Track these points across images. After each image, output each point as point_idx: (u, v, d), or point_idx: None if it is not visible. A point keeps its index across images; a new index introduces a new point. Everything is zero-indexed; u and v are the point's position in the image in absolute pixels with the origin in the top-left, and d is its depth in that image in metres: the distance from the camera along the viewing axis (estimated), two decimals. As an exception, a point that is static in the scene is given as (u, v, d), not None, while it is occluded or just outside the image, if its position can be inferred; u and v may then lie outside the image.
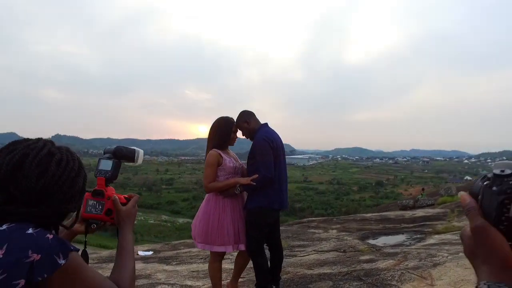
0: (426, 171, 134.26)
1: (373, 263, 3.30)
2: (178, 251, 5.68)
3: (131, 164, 1.22)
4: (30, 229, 0.77)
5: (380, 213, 9.32)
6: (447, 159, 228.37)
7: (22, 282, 0.71)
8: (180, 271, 4.06)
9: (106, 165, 1.15)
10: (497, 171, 0.50)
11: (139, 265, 4.38)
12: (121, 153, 1.19)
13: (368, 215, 8.64)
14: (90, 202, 1.09)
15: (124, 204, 1.10)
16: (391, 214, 8.83)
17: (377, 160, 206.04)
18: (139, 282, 3.70)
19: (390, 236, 5.27)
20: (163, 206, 58.75)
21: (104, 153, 1.19)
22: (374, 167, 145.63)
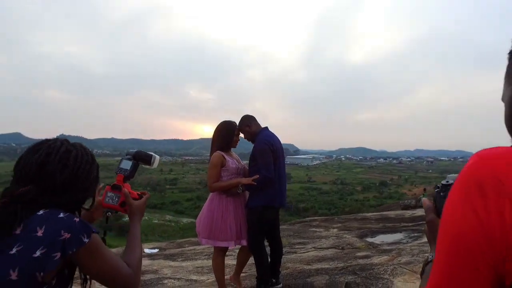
0: (430, 171, 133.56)
1: (368, 259, 3.47)
2: (183, 248, 5.87)
3: (147, 166, 1.42)
4: (61, 213, 0.97)
5: (381, 213, 9.46)
6: (452, 159, 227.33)
7: (58, 254, 0.91)
8: (186, 267, 4.25)
9: (127, 164, 1.35)
10: (444, 182, 0.74)
11: (145, 262, 4.57)
12: (140, 156, 1.39)
13: (369, 214, 8.78)
14: (109, 194, 1.28)
15: (136, 200, 1.30)
16: (391, 213, 8.96)
17: (381, 160, 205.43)
18: (146, 276, 3.89)
19: (388, 235, 5.43)
20: (167, 206, 58.96)
21: (126, 155, 1.39)
22: (378, 167, 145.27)
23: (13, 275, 0.86)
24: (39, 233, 0.91)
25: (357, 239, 4.80)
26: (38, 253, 0.89)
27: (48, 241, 0.91)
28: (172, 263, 4.53)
